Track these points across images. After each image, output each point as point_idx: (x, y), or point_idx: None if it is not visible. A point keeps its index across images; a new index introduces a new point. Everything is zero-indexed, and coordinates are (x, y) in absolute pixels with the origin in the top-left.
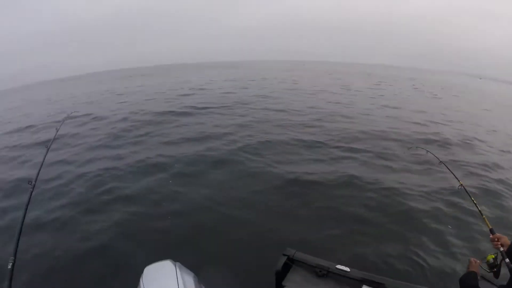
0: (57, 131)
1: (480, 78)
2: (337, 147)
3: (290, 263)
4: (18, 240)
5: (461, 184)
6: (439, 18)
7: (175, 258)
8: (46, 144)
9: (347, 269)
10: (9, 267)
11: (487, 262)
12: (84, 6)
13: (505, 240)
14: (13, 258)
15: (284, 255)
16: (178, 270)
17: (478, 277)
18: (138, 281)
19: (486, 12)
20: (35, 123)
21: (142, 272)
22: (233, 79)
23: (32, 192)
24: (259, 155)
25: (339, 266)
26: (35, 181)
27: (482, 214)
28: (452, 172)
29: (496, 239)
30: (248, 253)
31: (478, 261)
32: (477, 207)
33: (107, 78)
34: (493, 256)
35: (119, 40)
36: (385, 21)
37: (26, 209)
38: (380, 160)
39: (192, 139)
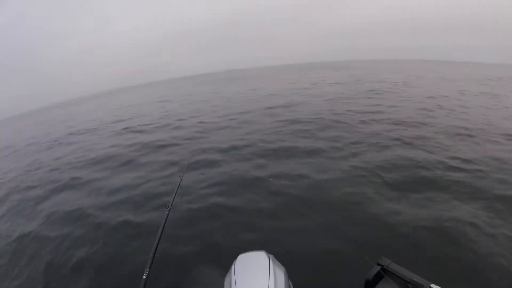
0: None
1: None
2: None
3: (382, 274)
4: (154, 254)
5: None
6: None
7: (269, 251)
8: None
9: None
10: (144, 277)
11: None
12: (200, 10)
13: None
14: (148, 269)
15: (378, 264)
16: (271, 262)
17: None
18: (230, 266)
19: None
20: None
21: (235, 258)
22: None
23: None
24: None
25: (433, 285)
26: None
27: None
28: None
29: None
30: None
31: None
32: None
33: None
34: None
35: (233, 42)
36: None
37: (163, 228)
38: None
39: None
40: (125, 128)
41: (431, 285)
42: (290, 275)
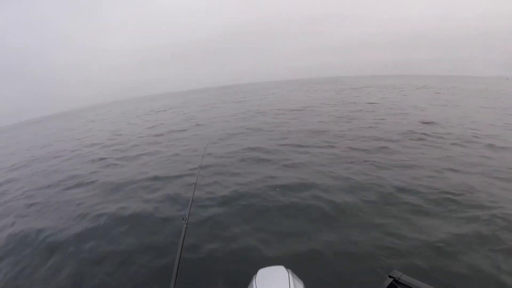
0: None
1: None
2: None
3: (395, 285)
4: (177, 270)
5: None
6: None
7: (285, 265)
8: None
9: None
10: None
11: None
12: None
13: None
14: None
15: (390, 277)
16: (290, 276)
17: None
18: (251, 280)
19: None
20: None
21: (255, 273)
22: None
23: (186, 227)
24: None
25: None
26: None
27: None
28: None
29: None
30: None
31: None
32: None
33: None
34: None
35: (224, 58)
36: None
37: (183, 242)
38: None
39: None
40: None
41: None
42: None
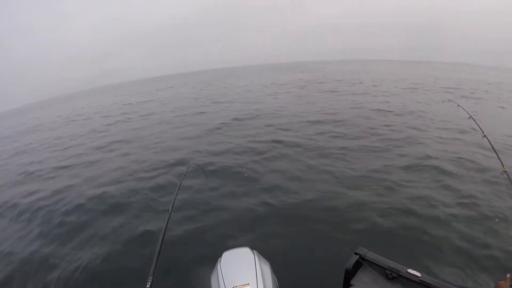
0: None
1: None
2: None
3: (361, 262)
4: (157, 261)
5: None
6: None
7: (251, 247)
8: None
9: (418, 274)
10: (148, 286)
11: None
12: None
13: None
14: (151, 277)
15: (356, 253)
16: (256, 257)
17: None
18: (216, 264)
19: None
20: None
21: (221, 256)
22: None
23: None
24: None
25: (410, 271)
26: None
27: None
28: None
29: None
30: (320, 248)
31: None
32: None
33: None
34: None
35: (177, 46)
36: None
37: (164, 234)
38: None
39: None
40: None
41: (408, 270)
42: (274, 269)
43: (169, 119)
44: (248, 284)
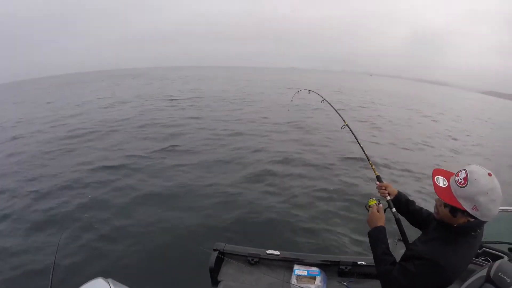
0: None
1: (371, 75)
2: None
3: (222, 257)
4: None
5: (346, 124)
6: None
7: (104, 274)
8: None
9: (277, 252)
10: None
11: (369, 207)
12: None
13: (392, 189)
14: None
15: (215, 250)
16: (111, 286)
17: None
18: None
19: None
20: None
21: None
22: None
23: None
24: None
25: (269, 251)
26: None
27: (369, 160)
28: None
29: (383, 187)
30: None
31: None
32: (363, 151)
33: None
34: (375, 202)
35: None
36: (287, 26)
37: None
38: None
39: None
40: None
41: (267, 251)
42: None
43: None
44: None
